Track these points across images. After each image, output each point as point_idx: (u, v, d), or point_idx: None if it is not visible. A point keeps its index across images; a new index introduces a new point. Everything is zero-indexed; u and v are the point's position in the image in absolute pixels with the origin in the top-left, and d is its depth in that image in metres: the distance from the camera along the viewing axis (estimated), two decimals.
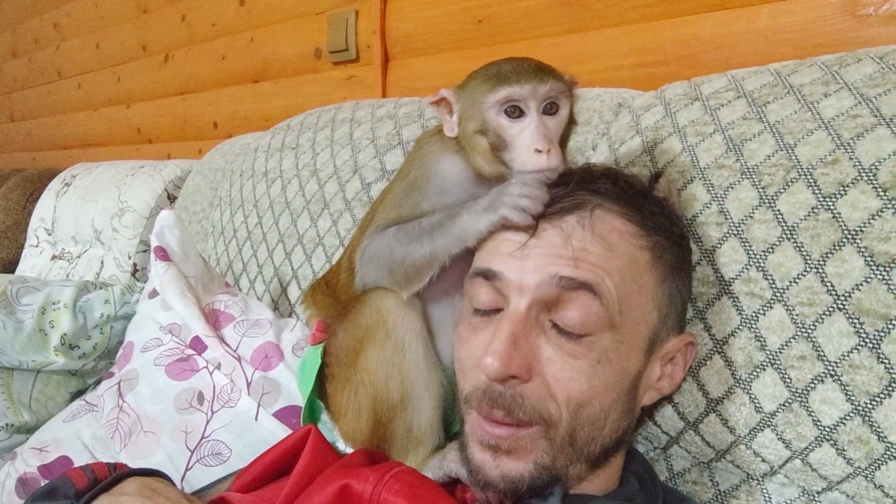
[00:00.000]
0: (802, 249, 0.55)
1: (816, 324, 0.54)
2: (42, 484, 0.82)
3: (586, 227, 0.53)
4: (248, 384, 0.84)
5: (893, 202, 0.52)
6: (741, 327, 0.58)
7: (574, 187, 0.55)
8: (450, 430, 0.65)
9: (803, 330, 0.54)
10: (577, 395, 0.51)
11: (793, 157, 0.58)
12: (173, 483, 0.60)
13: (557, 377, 0.51)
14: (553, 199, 0.54)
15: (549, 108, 0.55)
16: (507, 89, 0.54)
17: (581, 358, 0.51)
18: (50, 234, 2.00)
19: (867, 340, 0.51)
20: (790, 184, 0.57)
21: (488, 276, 0.54)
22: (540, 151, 0.54)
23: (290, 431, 0.76)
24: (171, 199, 1.68)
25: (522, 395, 0.51)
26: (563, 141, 0.58)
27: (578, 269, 0.51)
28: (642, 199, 0.57)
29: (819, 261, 0.54)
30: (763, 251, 0.57)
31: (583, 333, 0.51)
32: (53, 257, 1.94)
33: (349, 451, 0.65)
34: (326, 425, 0.71)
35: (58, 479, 0.57)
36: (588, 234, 0.53)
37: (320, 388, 0.70)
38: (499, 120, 0.55)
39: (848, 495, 0.54)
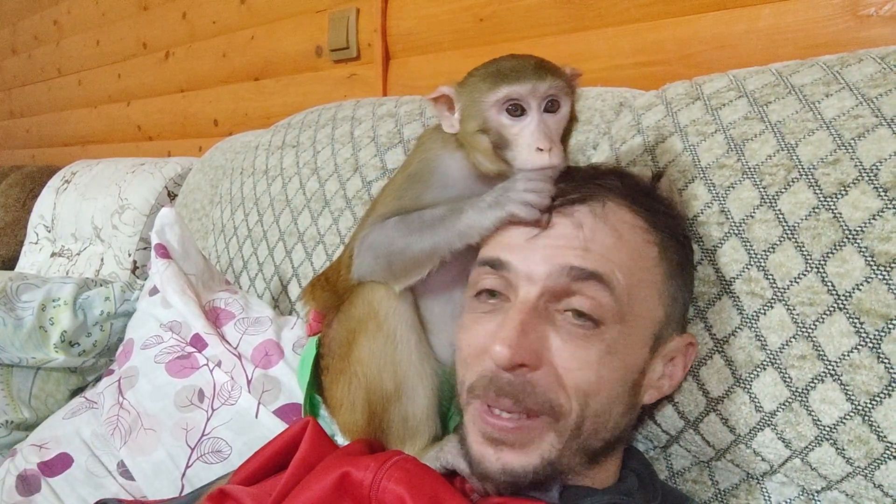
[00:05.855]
0: (803, 249, 0.55)
1: (817, 323, 0.54)
2: (41, 480, 0.82)
3: (598, 215, 0.53)
4: (249, 382, 0.84)
5: (894, 202, 0.52)
6: (742, 327, 0.58)
7: (583, 182, 0.55)
8: (446, 423, 0.65)
9: (804, 329, 0.54)
10: (585, 385, 0.51)
11: (794, 157, 0.58)
12: None
13: (567, 367, 0.51)
14: (562, 191, 0.54)
15: (550, 106, 0.55)
16: (507, 88, 0.54)
17: (590, 348, 0.51)
18: (50, 231, 2.00)
19: (867, 340, 0.51)
20: (791, 184, 0.57)
21: (496, 265, 0.54)
22: (541, 150, 0.54)
23: None
24: (172, 196, 1.68)
25: (532, 384, 0.50)
26: (565, 138, 0.58)
27: (588, 260, 0.51)
28: (649, 198, 0.58)
29: (820, 260, 0.54)
30: (764, 251, 0.57)
31: (592, 324, 0.51)
32: (53, 254, 1.94)
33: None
34: (326, 420, 0.71)
35: None
36: (600, 222, 0.53)
37: (317, 382, 0.70)
38: (499, 118, 0.55)
39: (847, 494, 0.54)
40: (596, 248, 0.52)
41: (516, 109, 0.55)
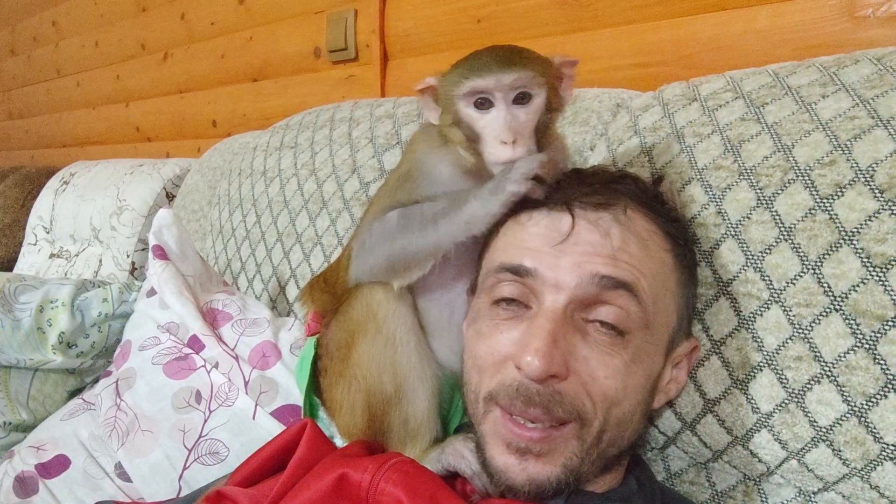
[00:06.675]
0: (800, 250, 0.55)
1: (813, 325, 0.54)
2: (39, 482, 0.82)
3: (622, 223, 0.53)
4: (246, 383, 0.84)
5: (890, 204, 0.52)
6: (739, 328, 0.58)
7: (601, 186, 0.55)
8: (447, 425, 0.65)
9: (800, 331, 0.54)
10: (611, 393, 0.51)
11: (790, 159, 0.58)
12: None
13: (594, 375, 0.50)
14: (581, 194, 0.54)
15: (521, 98, 0.54)
16: (472, 82, 0.54)
17: (616, 357, 0.51)
18: (48, 233, 2.00)
19: (863, 341, 0.51)
20: (788, 185, 0.57)
21: (520, 272, 0.53)
22: (505, 143, 0.53)
23: None
24: (170, 197, 1.68)
25: (560, 393, 0.50)
26: (545, 128, 0.57)
27: (618, 268, 0.51)
28: (660, 204, 0.58)
29: (816, 262, 0.54)
30: (760, 252, 0.58)
31: (620, 332, 0.51)
32: (52, 255, 1.94)
33: None
34: (324, 422, 0.71)
35: None
36: (626, 230, 0.53)
37: (315, 384, 0.70)
38: (468, 112, 0.55)
39: (844, 496, 0.54)
40: (624, 256, 0.52)
41: (484, 103, 0.54)
